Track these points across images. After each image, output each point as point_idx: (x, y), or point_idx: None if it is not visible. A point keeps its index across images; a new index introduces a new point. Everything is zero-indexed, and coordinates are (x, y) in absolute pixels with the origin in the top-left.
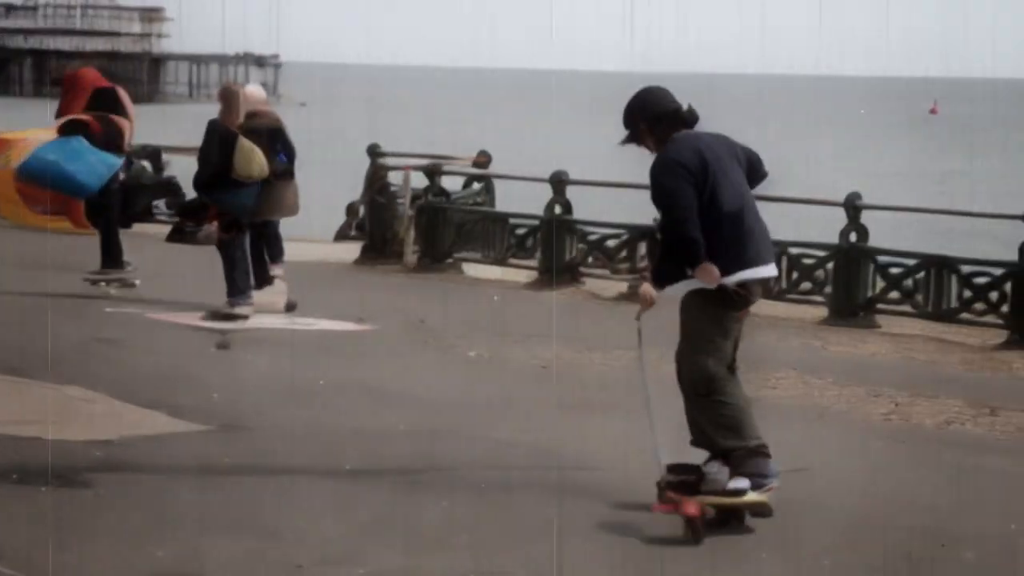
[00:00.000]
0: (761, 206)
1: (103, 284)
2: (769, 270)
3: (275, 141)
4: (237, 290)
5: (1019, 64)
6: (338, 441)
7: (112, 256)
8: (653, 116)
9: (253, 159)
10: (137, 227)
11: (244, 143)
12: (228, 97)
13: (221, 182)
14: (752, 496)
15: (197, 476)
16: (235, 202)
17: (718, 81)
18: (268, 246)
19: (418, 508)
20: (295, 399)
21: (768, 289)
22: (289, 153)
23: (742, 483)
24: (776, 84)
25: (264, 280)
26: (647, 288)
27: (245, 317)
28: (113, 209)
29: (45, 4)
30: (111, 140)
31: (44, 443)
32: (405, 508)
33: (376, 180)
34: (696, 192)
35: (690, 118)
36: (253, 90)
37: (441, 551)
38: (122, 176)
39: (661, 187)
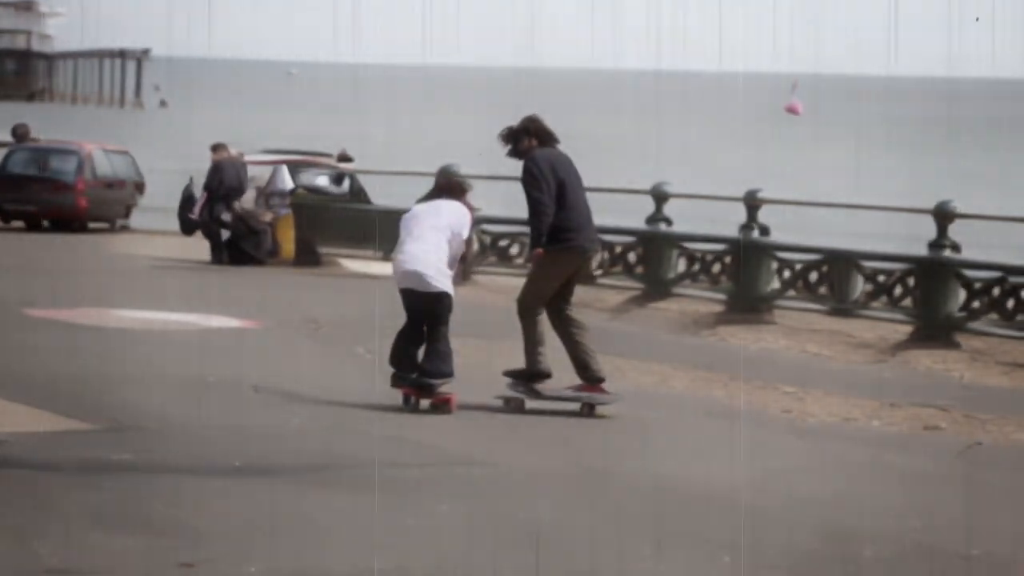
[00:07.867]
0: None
1: None
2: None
3: None
4: None
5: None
6: (228, 438)
7: None
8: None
9: None
10: None
11: None
12: None
13: None
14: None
15: (85, 474)
16: None
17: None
18: None
19: (309, 505)
20: (183, 397)
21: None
22: None
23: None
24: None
25: None
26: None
27: None
28: None
29: None
30: None
31: None
32: (296, 505)
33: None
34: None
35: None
36: None
37: (333, 548)
38: None
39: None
